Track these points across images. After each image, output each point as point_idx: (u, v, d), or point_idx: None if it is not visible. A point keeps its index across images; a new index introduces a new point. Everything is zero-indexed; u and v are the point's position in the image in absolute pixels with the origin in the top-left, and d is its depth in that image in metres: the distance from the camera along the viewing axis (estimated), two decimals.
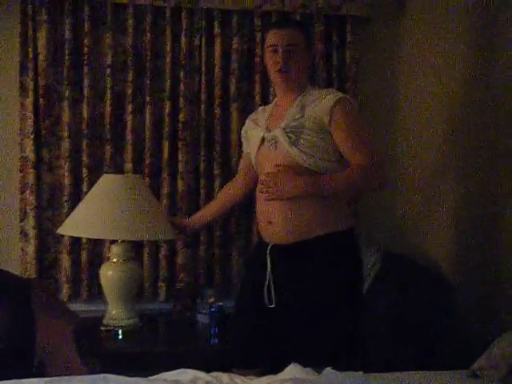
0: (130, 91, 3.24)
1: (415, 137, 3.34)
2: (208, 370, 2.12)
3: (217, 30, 3.31)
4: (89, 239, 3.19)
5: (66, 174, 3.20)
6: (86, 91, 3.21)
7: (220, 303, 2.98)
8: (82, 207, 2.86)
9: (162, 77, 3.30)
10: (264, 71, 3.23)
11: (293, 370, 2.03)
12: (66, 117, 3.20)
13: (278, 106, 2.46)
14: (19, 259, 3.19)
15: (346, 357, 2.27)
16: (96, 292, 3.23)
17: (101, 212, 2.76)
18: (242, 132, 2.64)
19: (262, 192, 2.34)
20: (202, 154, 3.32)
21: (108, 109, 3.23)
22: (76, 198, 3.17)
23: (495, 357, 2.12)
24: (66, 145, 3.20)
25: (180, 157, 3.29)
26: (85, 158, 3.22)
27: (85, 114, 3.21)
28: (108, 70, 3.22)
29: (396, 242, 3.35)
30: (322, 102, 2.30)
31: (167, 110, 3.28)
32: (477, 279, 2.76)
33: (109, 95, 3.22)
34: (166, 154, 3.28)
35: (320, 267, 2.28)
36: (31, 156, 3.16)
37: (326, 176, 2.28)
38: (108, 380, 1.99)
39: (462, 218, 2.92)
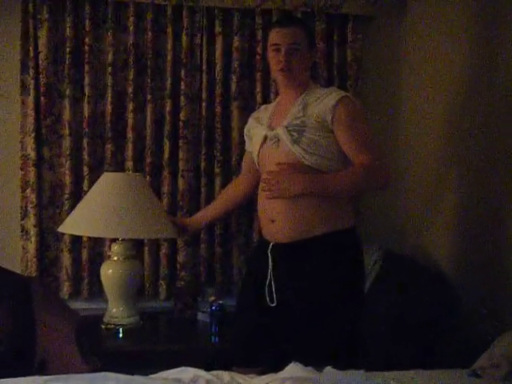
0: (130, 89, 3.24)
1: (417, 135, 3.33)
2: (209, 369, 2.12)
3: (218, 28, 3.31)
4: (89, 237, 3.19)
5: (67, 172, 3.20)
6: (86, 89, 3.21)
7: (221, 301, 2.98)
8: (82, 205, 2.85)
9: (162, 75, 3.30)
10: (265, 70, 3.25)
11: (293, 369, 2.03)
12: (66, 115, 3.20)
13: (281, 105, 2.46)
14: (20, 257, 3.19)
15: (346, 356, 2.27)
16: (96, 290, 3.23)
17: (101, 210, 2.76)
18: (245, 130, 2.64)
19: (264, 190, 2.33)
20: (203, 152, 3.32)
21: (109, 107, 3.23)
22: (77, 196, 3.17)
23: (496, 356, 2.12)
24: (66, 143, 3.20)
25: (181, 155, 3.29)
26: (85, 157, 3.22)
27: (86, 112, 3.21)
28: (109, 69, 3.22)
29: (397, 241, 3.34)
30: (324, 101, 2.30)
31: (168, 109, 3.28)
32: (478, 279, 2.76)
33: (109, 93, 3.22)
34: (166, 153, 3.28)
35: (321, 266, 2.28)
36: (32, 154, 3.16)
37: (329, 175, 2.28)
38: (108, 378, 1.99)
39: (463, 218, 2.91)
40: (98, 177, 2.93)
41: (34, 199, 3.17)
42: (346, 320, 2.29)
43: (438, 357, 2.51)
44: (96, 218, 2.76)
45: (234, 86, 3.33)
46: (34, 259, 3.17)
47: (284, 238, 2.31)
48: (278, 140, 2.34)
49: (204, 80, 3.31)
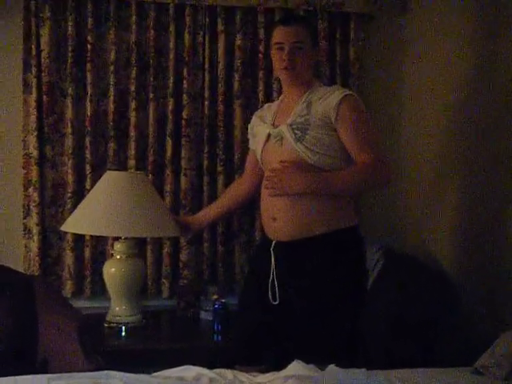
0: (133, 88, 3.24)
1: (418, 134, 3.33)
2: (211, 367, 2.12)
3: (220, 26, 3.30)
4: (92, 236, 3.19)
5: (70, 170, 3.20)
6: (89, 88, 3.21)
7: (223, 300, 2.98)
8: (85, 204, 2.86)
9: (165, 74, 3.29)
10: (267, 68, 3.24)
11: (296, 367, 2.04)
12: (69, 113, 3.20)
13: (284, 103, 2.46)
14: (22, 256, 3.19)
15: (347, 354, 2.27)
16: (99, 289, 3.23)
17: (104, 209, 2.77)
18: (249, 128, 2.64)
19: (266, 188, 2.34)
20: (206, 151, 3.32)
21: (111, 106, 3.23)
22: (79, 194, 3.17)
23: (498, 355, 2.12)
24: (69, 142, 3.20)
25: (183, 154, 3.29)
26: (88, 155, 3.22)
27: (88, 110, 3.21)
28: (111, 67, 3.22)
29: (398, 240, 3.34)
30: (328, 99, 2.30)
31: (170, 107, 3.28)
32: (479, 277, 2.76)
33: (112, 92, 3.22)
34: (169, 151, 3.28)
35: (323, 265, 2.29)
36: (34, 153, 3.16)
37: (332, 173, 2.28)
38: (111, 377, 2.00)
39: (464, 217, 2.91)
40: (101, 175, 2.93)
41: (37, 198, 3.17)
42: (348, 318, 2.29)
43: (438, 355, 2.51)
44: (98, 217, 2.76)
45: (236, 85, 3.33)
46: (37, 258, 3.17)
47: (285, 236, 2.31)
48: (282, 138, 2.34)
49: (206, 78, 3.31)
